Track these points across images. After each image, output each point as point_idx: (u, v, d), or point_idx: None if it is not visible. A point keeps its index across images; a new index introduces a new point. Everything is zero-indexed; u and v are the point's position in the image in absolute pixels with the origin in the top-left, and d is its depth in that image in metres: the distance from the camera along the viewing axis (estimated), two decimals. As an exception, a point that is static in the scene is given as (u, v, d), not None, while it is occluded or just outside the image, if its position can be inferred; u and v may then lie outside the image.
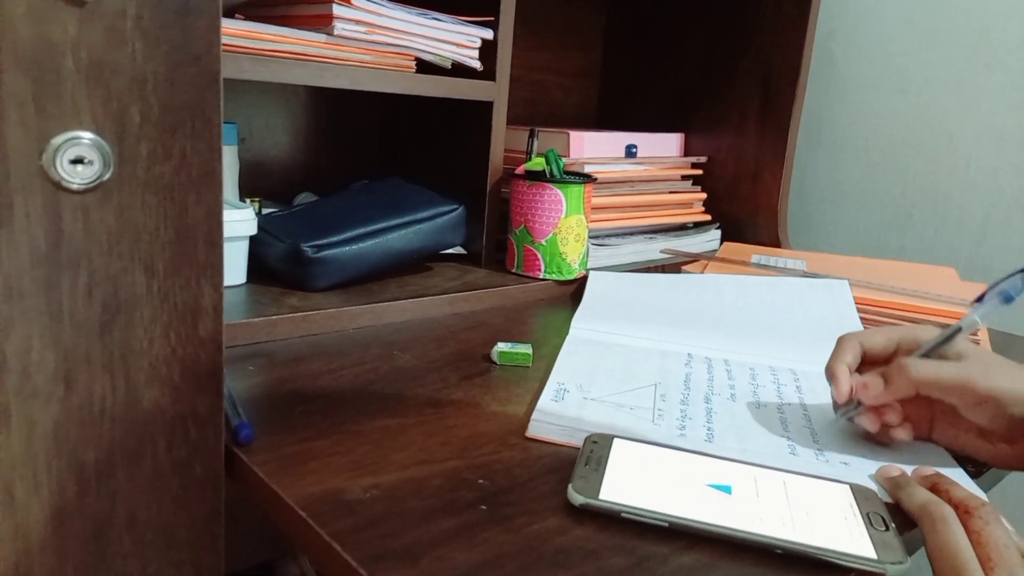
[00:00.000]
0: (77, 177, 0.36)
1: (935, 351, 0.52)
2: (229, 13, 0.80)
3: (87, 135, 0.36)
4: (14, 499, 0.38)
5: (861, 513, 0.42)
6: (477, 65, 0.84)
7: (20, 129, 0.35)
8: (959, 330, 0.51)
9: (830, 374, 0.54)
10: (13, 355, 0.37)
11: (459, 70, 0.84)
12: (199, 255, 0.41)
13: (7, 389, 0.37)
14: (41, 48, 0.34)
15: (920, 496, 0.43)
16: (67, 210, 0.37)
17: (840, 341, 0.55)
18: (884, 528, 0.41)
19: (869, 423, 0.52)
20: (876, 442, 0.53)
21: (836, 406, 0.55)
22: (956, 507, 0.42)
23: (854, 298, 0.79)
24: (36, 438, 0.38)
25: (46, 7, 0.34)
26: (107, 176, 0.37)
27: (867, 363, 0.55)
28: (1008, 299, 0.51)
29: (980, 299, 0.53)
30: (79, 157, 0.36)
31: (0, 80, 0.34)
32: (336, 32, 0.72)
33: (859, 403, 0.52)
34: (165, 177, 0.39)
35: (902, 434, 0.52)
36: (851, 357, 0.54)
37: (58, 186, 0.36)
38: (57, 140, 0.36)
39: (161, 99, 0.38)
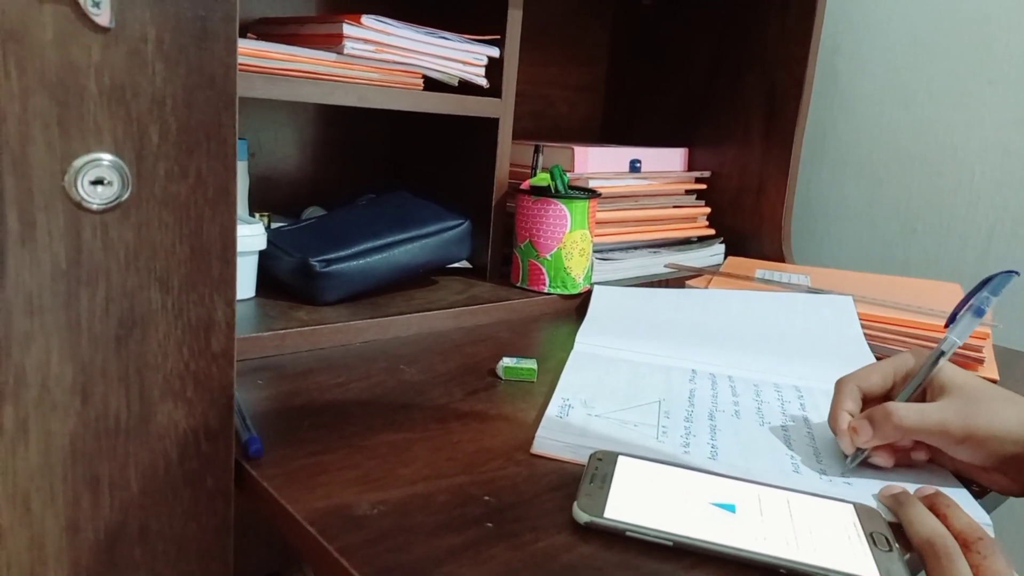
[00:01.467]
0: (97, 198, 0.37)
1: (924, 380, 0.53)
2: (241, 33, 0.81)
3: (107, 157, 0.37)
4: (30, 510, 0.39)
5: (864, 533, 0.43)
6: (483, 83, 0.85)
7: (44, 150, 0.36)
8: (942, 354, 0.53)
9: (833, 428, 0.54)
10: (32, 368, 0.37)
11: (466, 87, 0.85)
12: (213, 271, 0.42)
13: (26, 402, 0.37)
14: (66, 72, 0.35)
15: (925, 526, 0.43)
16: (87, 228, 0.38)
17: (838, 387, 0.56)
18: (888, 548, 0.42)
19: (884, 461, 0.52)
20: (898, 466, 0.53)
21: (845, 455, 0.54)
22: (955, 538, 0.42)
23: (859, 314, 0.80)
24: (53, 450, 0.39)
25: (72, 32, 0.35)
26: (125, 196, 0.38)
27: (868, 402, 0.55)
28: (980, 313, 0.54)
29: (953, 318, 0.55)
30: (99, 178, 0.37)
31: (27, 103, 0.34)
32: (346, 51, 0.73)
33: (866, 450, 0.52)
34: (182, 195, 0.40)
35: (921, 455, 0.52)
36: (851, 403, 0.54)
37: (79, 206, 0.37)
38: (79, 162, 0.36)
39: (179, 120, 0.39)
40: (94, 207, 0.37)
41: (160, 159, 0.39)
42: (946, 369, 0.53)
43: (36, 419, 0.38)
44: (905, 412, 0.50)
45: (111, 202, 0.38)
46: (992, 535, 0.44)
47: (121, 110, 0.37)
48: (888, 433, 0.50)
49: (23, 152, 0.35)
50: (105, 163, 0.37)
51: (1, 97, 0.34)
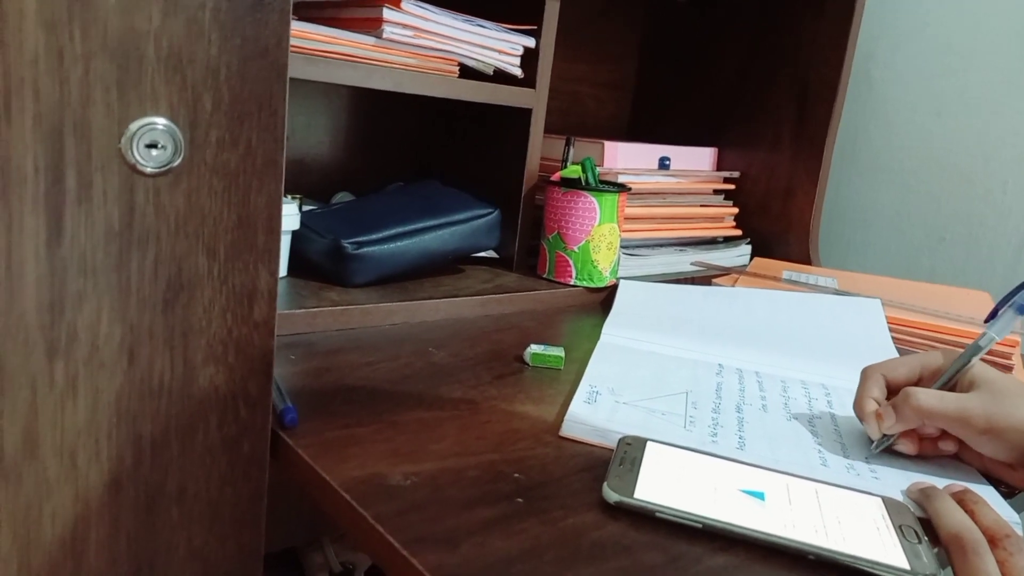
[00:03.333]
0: (151, 161, 0.38)
1: (956, 375, 0.53)
2: (281, 13, 0.82)
3: (162, 121, 0.38)
4: (76, 466, 0.40)
5: (893, 525, 0.43)
6: (518, 72, 0.86)
7: (104, 112, 0.36)
8: (979, 348, 0.53)
9: (859, 413, 0.55)
10: (83, 327, 0.38)
11: (500, 77, 0.85)
12: (258, 241, 0.43)
13: (76, 359, 0.38)
14: (127, 36, 0.36)
15: (953, 519, 0.43)
16: (140, 191, 0.39)
17: (864, 375, 0.56)
18: (917, 540, 0.42)
19: (908, 448, 0.52)
20: (919, 456, 0.53)
21: (870, 440, 0.55)
22: (983, 534, 0.42)
23: (886, 317, 0.80)
24: (100, 408, 0.40)
25: (135, -2, 0.36)
26: (178, 161, 0.39)
27: (893, 393, 0.55)
28: (1022, 311, 0.53)
29: (993, 314, 0.55)
30: (153, 142, 0.38)
31: (89, 66, 0.35)
32: (385, 35, 0.74)
33: (892, 436, 0.53)
34: (231, 164, 0.41)
35: (948, 446, 0.53)
36: (877, 391, 0.54)
37: (133, 169, 0.38)
38: (134, 125, 0.37)
39: (232, 89, 0.40)
40: (148, 170, 0.38)
41: (212, 127, 0.40)
42: (978, 366, 0.53)
43: (85, 376, 0.39)
44: (925, 396, 0.50)
45: (164, 166, 0.38)
46: (1020, 533, 0.44)
47: (177, 77, 0.38)
48: (907, 416, 0.51)
49: (84, 114, 0.36)
50: (160, 127, 0.38)
51: (65, 59, 0.35)
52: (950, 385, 0.53)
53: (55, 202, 0.36)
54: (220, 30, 0.39)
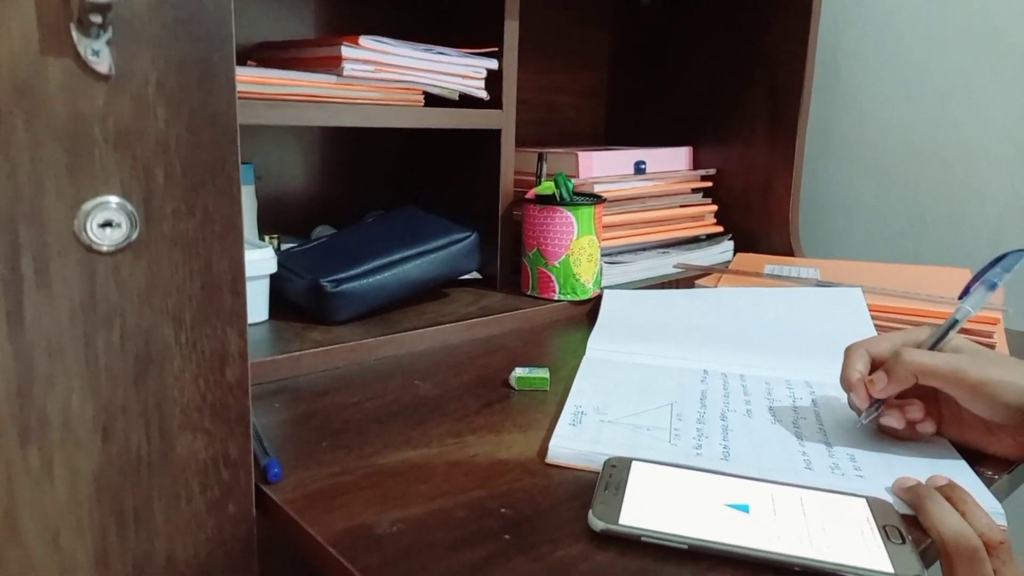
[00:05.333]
0: (106, 240, 0.38)
1: (936, 346, 0.54)
2: (242, 59, 0.83)
3: (114, 199, 0.39)
4: (60, 545, 0.40)
5: (878, 526, 0.43)
6: (484, 95, 0.86)
7: (55, 197, 0.37)
8: (956, 322, 0.55)
9: (846, 384, 0.56)
10: (55, 409, 0.39)
11: (467, 100, 0.86)
12: (224, 304, 0.43)
13: (50, 442, 0.39)
14: (74, 121, 0.37)
15: (950, 524, 0.43)
16: (100, 270, 0.39)
17: (848, 352, 0.57)
18: (901, 541, 0.42)
19: (895, 421, 0.54)
20: (900, 439, 0.55)
21: (858, 412, 0.56)
22: None
23: (868, 305, 0.80)
24: (79, 486, 0.40)
25: (76, 83, 0.36)
26: (134, 236, 0.40)
27: (875, 368, 0.57)
28: (993, 287, 0.56)
29: (967, 291, 0.57)
30: (107, 221, 0.38)
31: (37, 154, 0.36)
32: (346, 72, 0.74)
33: (879, 405, 0.55)
34: (190, 233, 0.41)
35: (928, 427, 0.54)
36: (862, 365, 0.56)
37: (89, 249, 0.38)
38: (88, 206, 0.38)
39: (184, 160, 0.40)
40: (104, 249, 0.38)
41: (167, 199, 0.40)
42: (957, 338, 0.54)
43: (61, 458, 0.39)
44: (918, 353, 0.52)
45: (120, 244, 0.39)
46: (1005, 524, 0.44)
47: (127, 154, 0.39)
48: (901, 376, 0.52)
49: (35, 201, 0.37)
50: (113, 205, 0.38)
51: (12, 150, 0.36)
52: None
53: (13, 291, 0.36)
54: (167, 104, 0.39)
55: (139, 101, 0.38)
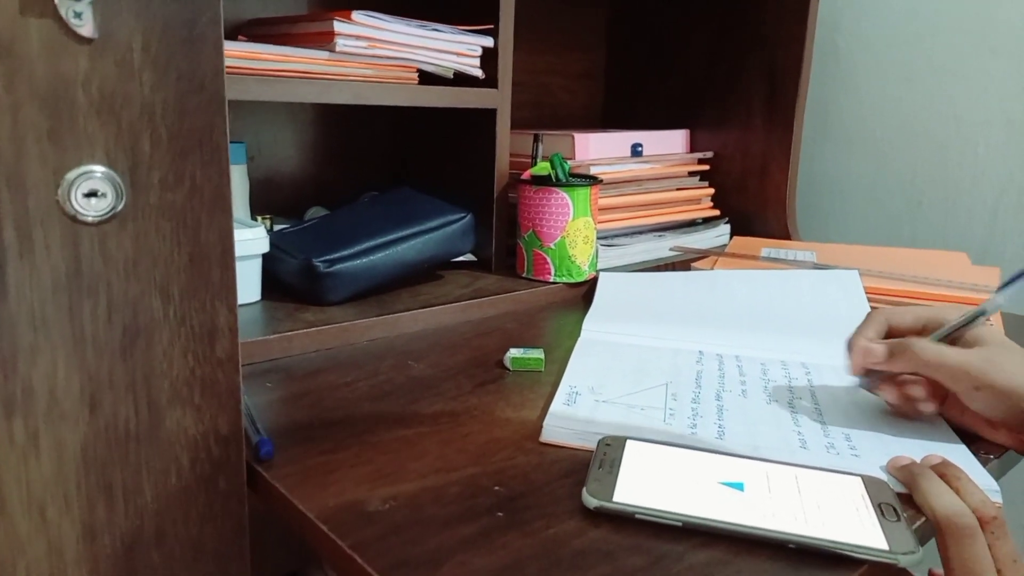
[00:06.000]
0: (91, 210, 0.37)
1: (955, 332, 0.53)
2: (232, 35, 0.81)
3: (99, 168, 0.38)
4: (46, 519, 0.39)
5: (873, 504, 0.43)
6: (479, 73, 0.85)
7: (38, 163, 0.36)
8: (983, 312, 0.53)
9: (849, 344, 0.56)
10: (40, 381, 0.38)
11: (461, 79, 0.85)
12: (213, 277, 0.42)
13: (35, 414, 0.38)
14: (56, 84, 0.36)
15: (944, 502, 0.43)
16: (84, 240, 0.38)
17: (868, 316, 0.57)
18: (896, 519, 0.42)
19: (889, 395, 0.54)
20: (902, 415, 0.55)
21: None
22: None
23: (865, 288, 0.79)
24: (65, 460, 0.39)
25: (58, 44, 0.35)
26: (120, 207, 0.39)
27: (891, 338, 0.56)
28: None
29: (1008, 284, 0.55)
30: (92, 190, 0.37)
31: (18, 116, 0.35)
32: (338, 48, 0.73)
33: (875, 378, 0.55)
34: (177, 203, 0.40)
35: (928, 407, 0.54)
36: (873, 332, 0.55)
37: (74, 219, 0.37)
38: (71, 175, 0.37)
39: (170, 127, 0.40)
40: (89, 219, 0.37)
41: (153, 168, 0.39)
42: (985, 328, 0.53)
43: (46, 430, 0.39)
44: (927, 347, 0.51)
45: (106, 214, 0.38)
46: (1000, 501, 0.44)
47: (112, 120, 0.38)
48: (901, 362, 0.52)
49: (16, 166, 0.36)
50: (98, 175, 0.37)
51: (-7, 113, 0.35)
52: (949, 340, 0.53)
53: (-4, 259, 0.36)
54: (152, 69, 0.38)
55: (123, 65, 0.37)
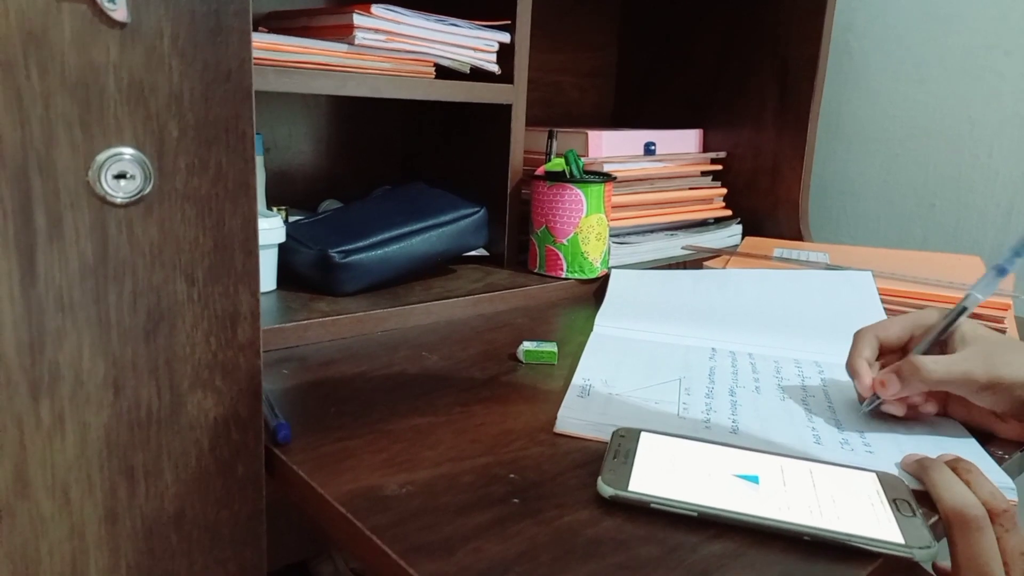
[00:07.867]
0: (120, 191, 0.38)
1: (943, 334, 0.54)
2: (252, 27, 0.82)
3: (128, 151, 0.38)
4: (70, 501, 0.40)
5: (888, 499, 0.43)
6: (495, 69, 0.85)
7: (68, 149, 0.36)
8: (964, 309, 0.54)
9: (851, 371, 0.56)
10: (66, 364, 0.38)
11: (477, 74, 0.85)
12: (236, 263, 0.43)
13: (61, 396, 0.39)
14: (86, 71, 0.36)
15: (954, 493, 0.43)
16: (112, 224, 0.39)
17: (857, 336, 0.57)
18: (911, 514, 0.42)
19: (896, 410, 0.54)
20: (904, 418, 0.55)
21: (860, 399, 0.56)
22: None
23: (878, 289, 0.79)
24: (89, 442, 0.40)
25: (90, 31, 0.36)
26: (148, 189, 0.39)
27: (884, 353, 0.57)
28: (1002, 272, 0.55)
29: (981, 278, 0.56)
30: (122, 172, 0.38)
31: (49, 104, 0.35)
32: (357, 41, 0.74)
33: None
34: (203, 189, 0.41)
35: (929, 408, 0.54)
36: (869, 351, 0.56)
37: (103, 200, 0.38)
38: (101, 157, 0.37)
39: (197, 115, 0.40)
40: (118, 201, 0.38)
41: (180, 153, 0.40)
42: (966, 324, 0.54)
43: (71, 412, 0.39)
44: (933, 365, 0.52)
45: (134, 196, 0.38)
46: (1016, 499, 0.44)
47: (140, 107, 0.38)
48: (915, 386, 0.52)
49: (47, 152, 0.36)
50: (127, 157, 0.38)
51: (24, 99, 0.35)
52: (939, 343, 0.54)
53: (26, 243, 0.36)
54: (180, 57, 0.39)
55: (152, 53, 0.38)
